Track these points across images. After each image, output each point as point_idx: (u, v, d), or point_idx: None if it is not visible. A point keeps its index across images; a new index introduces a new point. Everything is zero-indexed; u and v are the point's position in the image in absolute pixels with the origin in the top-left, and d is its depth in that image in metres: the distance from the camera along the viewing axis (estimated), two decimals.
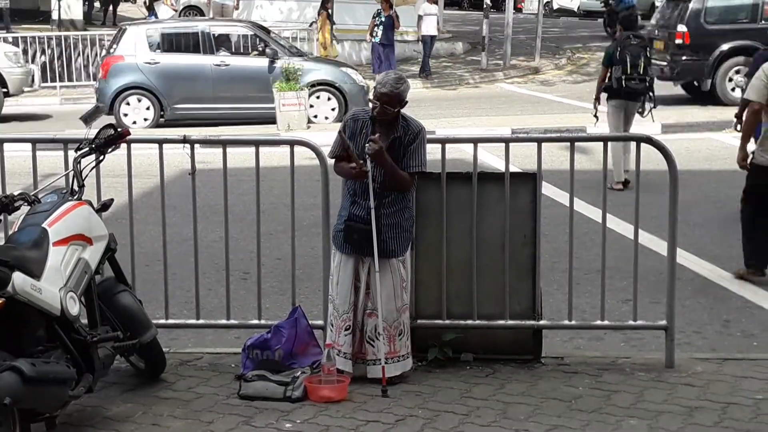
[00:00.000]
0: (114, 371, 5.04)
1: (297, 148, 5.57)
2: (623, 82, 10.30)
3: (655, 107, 10.55)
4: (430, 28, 21.62)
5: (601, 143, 5.64)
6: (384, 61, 20.11)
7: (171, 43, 15.40)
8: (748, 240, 7.20)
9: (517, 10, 29.71)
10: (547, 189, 7.10)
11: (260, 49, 15.61)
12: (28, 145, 5.68)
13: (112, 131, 5.02)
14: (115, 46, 15.37)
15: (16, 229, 4.60)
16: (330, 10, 20.47)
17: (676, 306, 5.43)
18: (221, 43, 15.76)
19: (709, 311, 6.57)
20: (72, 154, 5.05)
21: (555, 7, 41.34)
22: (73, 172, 4.91)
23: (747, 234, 7.20)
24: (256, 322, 5.61)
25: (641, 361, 5.42)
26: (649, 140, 5.48)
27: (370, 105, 5.07)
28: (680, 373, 5.22)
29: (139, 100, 15.04)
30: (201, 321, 5.72)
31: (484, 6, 23.58)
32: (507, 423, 4.63)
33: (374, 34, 20.35)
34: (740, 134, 7.24)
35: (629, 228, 5.78)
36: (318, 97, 15.24)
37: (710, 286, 7.08)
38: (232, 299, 5.67)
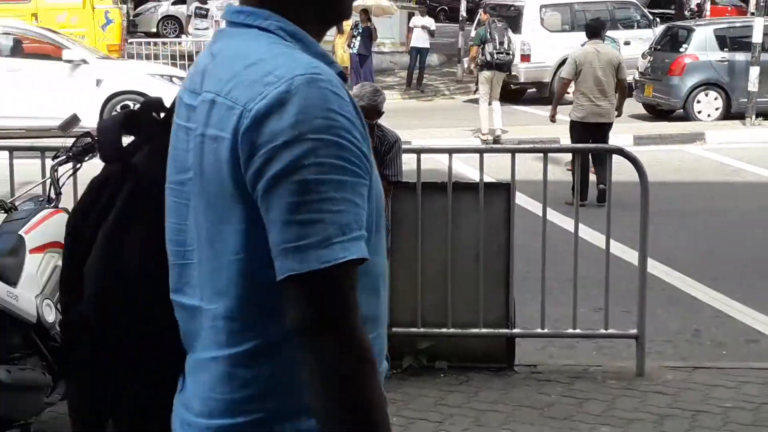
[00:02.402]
0: None
1: None
2: (494, 55, 13.26)
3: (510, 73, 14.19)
4: (420, 40, 21.54)
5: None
6: (361, 71, 20.17)
7: (731, 41, 16.21)
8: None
9: None
10: (521, 199, 7.18)
11: None
12: (6, 153, 5.69)
13: (89, 139, 5.03)
14: (685, 45, 16.18)
15: None
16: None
17: (646, 315, 5.51)
18: None
19: (680, 320, 6.66)
20: (49, 162, 5.07)
21: None
22: (50, 180, 4.93)
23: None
24: None
25: (613, 370, 5.50)
26: (620, 152, 5.58)
27: None
28: (651, 381, 5.30)
29: (709, 95, 15.92)
30: None
31: (460, 18, 23.73)
32: (480, 430, 4.68)
33: (352, 45, 20.43)
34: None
35: (601, 238, 5.87)
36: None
37: (681, 295, 7.17)
38: None
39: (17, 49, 14.94)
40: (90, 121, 14.50)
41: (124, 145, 1.82)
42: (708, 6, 29.72)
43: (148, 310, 1.72)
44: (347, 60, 20.89)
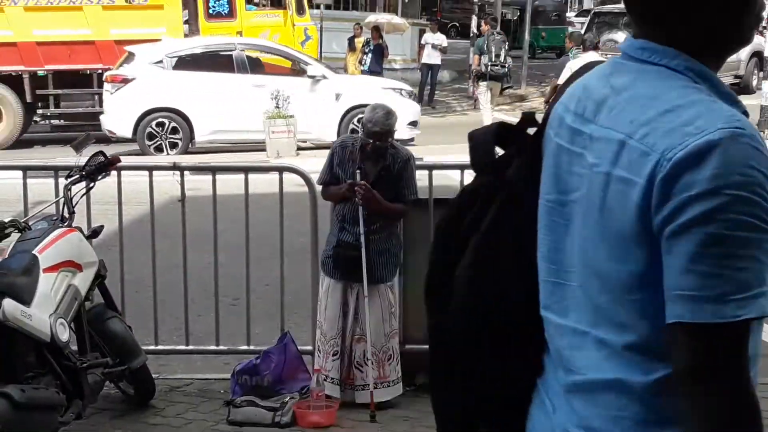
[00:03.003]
0: (103, 397, 5.04)
1: (286, 175, 5.62)
2: (489, 67, 14.16)
3: (511, 87, 15.22)
4: (431, 57, 21.60)
5: None
6: None
7: None
8: None
9: None
10: None
11: None
12: (19, 173, 5.72)
13: (102, 158, 5.06)
14: None
15: (6, 256, 4.62)
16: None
17: None
18: None
19: None
20: (62, 182, 5.10)
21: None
22: (63, 199, 4.95)
23: None
24: (245, 347, 5.63)
25: None
26: None
27: (358, 136, 5.14)
28: None
29: None
30: (190, 347, 5.74)
31: (471, 34, 23.78)
32: None
33: (363, 62, 20.50)
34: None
35: None
36: None
37: None
38: (221, 325, 5.69)
39: (259, 66, 15.47)
40: (329, 134, 14.57)
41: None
42: None
43: (520, 323, 1.75)
44: None
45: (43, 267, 4.50)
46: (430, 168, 5.58)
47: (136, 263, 6.26)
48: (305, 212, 5.62)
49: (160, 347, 5.68)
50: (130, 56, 14.92)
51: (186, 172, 5.60)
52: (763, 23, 19.88)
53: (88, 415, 4.81)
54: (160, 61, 14.56)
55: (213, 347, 5.71)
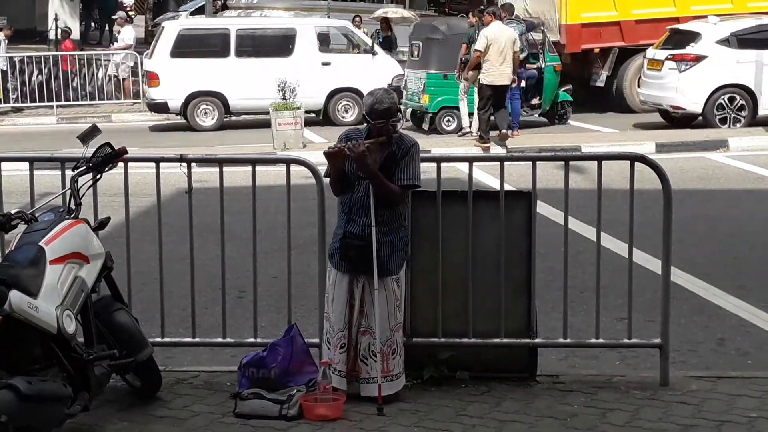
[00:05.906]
0: (110, 389, 5.04)
1: (293, 167, 5.60)
2: None
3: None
4: None
5: (595, 162, 5.67)
6: None
7: None
8: (492, 114, 13.72)
9: None
10: (542, 208, 7.15)
11: None
12: (26, 164, 5.71)
13: (109, 150, 5.05)
14: None
15: (13, 248, 4.62)
16: None
17: (670, 324, 5.45)
18: None
19: (704, 329, 6.59)
20: (69, 173, 5.08)
21: None
22: (70, 190, 4.94)
23: (482, 110, 13.80)
24: (251, 340, 5.62)
25: (636, 380, 5.44)
26: (642, 159, 5.52)
27: (366, 125, 5.11)
28: (675, 391, 5.24)
29: None
30: (197, 339, 5.73)
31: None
32: None
33: None
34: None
35: (624, 246, 5.81)
36: None
37: (705, 304, 7.10)
38: (227, 318, 5.68)
39: None
40: None
41: None
42: None
43: None
44: None
45: (49, 259, 4.49)
46: (439, 160, 5.55)
47: (142, 255, 6.25)
48: (312, 204, 5.60)
49: (166, 339, 5.67)
50: (692, 36, 15.94)
51: (193, 164, 5.59)
52: None
53: (95, 407, 4.80)
54: (726, 40, 15.37)
55: (219, 339, 5.70)
